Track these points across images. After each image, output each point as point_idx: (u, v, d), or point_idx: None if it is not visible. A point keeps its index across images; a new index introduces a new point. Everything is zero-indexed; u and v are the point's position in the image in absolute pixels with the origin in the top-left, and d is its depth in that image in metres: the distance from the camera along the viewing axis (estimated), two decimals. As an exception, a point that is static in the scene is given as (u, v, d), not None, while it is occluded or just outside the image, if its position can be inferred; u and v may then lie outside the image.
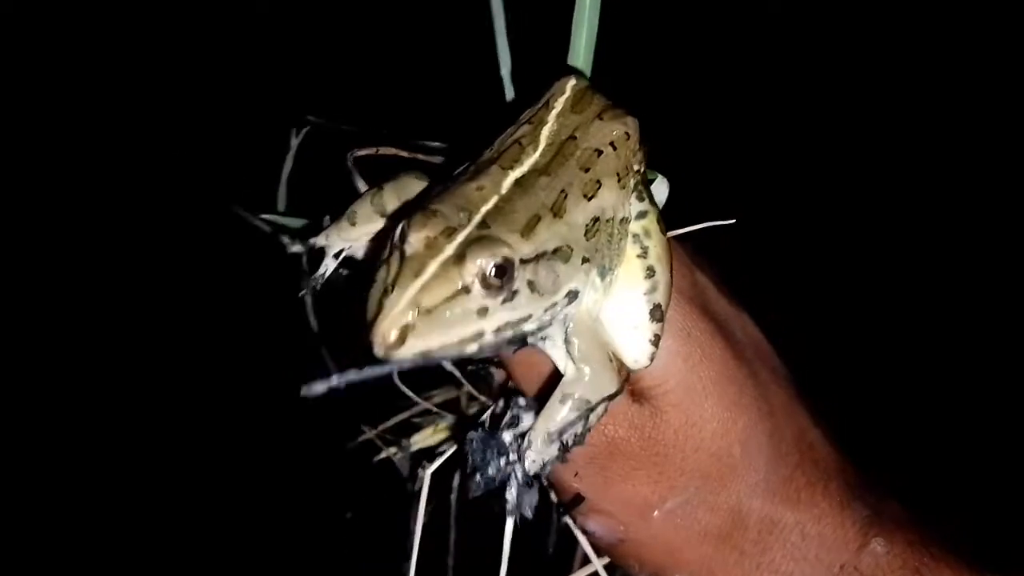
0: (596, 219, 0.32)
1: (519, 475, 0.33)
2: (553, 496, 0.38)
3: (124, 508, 1.14)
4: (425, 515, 0.39)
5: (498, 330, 0.30)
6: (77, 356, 1.22)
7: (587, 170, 0.33)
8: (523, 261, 0.30)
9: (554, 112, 0.35)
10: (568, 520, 0.37)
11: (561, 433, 0.32)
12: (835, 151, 1.42)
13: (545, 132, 0.34)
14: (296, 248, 0.39)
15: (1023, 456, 1.06)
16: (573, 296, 0.32)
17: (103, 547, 1.11)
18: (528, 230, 0.31)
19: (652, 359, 0.35)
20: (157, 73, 1.35)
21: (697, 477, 0.37)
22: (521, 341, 0.32)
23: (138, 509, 1.14)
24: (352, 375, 0.28)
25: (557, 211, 0.32)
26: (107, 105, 1.33)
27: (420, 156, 0.42)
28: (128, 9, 1.36)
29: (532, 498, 0.33)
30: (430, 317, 0.29)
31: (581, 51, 0.40)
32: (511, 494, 0.33)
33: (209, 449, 1.15)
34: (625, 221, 0.35)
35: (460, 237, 0.30)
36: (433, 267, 0.29)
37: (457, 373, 0.41)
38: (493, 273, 0.29)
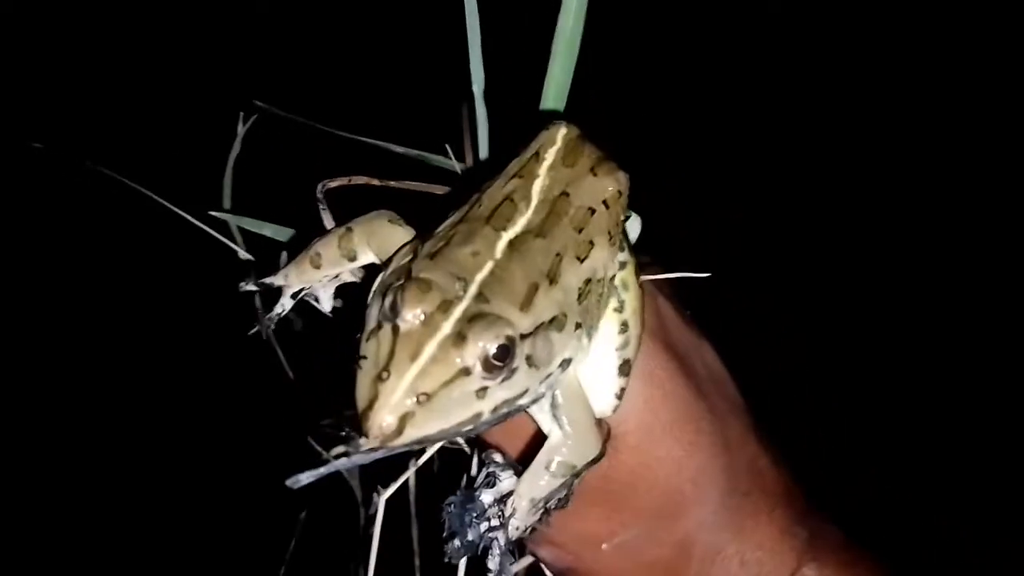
0: (588, 280, 0.31)
1: (502, 541, 0.31)
2: None
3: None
4: (381, 538, 0.38)
5: (495, 409, 0.28)
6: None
7: (581, 230, 0.32)
8: (522, 336, 0.28)
9: (545, 165, 0.33)
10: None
11: (547, 500, 0.32)
12: (834, 151, 1.42)
13: (537, 187, 0.32)
14: (249, 287, 0.38)
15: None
16: (567, 364, 0.31)
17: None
18: (527, 303, 0.29)
19: (615, 411, 0.35)
20: (157, 73, 1.35)
21: (649, 515, 0.37)
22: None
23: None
24: (343, 463, 0.28)
25: (553, 277, 0.30)
26: (105, 105, 1.33)
27: (393, 185, 0.41)
28: (128, 9, 1.36)
29: (513, 561, 0.33)
30: (429, 404, 0.27)
31: (553, 87, 0.40)
32: (494, 562, 0.31)
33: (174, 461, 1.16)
34: (612, 279, 0.33)
35: (458, 312, 0.28)
36: (431, 348, 0.27)
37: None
38: (495, 354, 0.28)
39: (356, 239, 0.35)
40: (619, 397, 0.34)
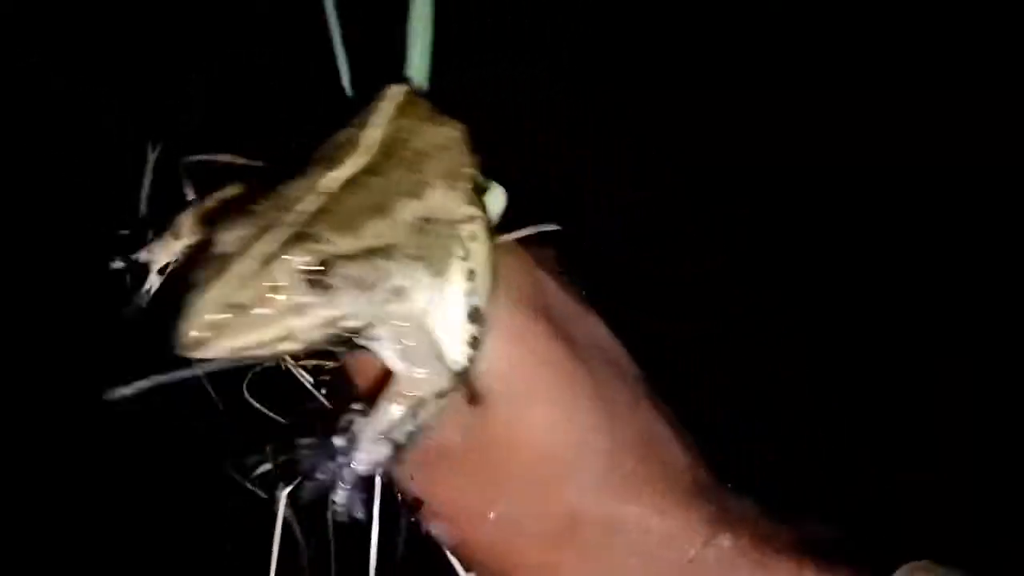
0: (426, 219, 0.33)
1: (346, 476, 0.32)
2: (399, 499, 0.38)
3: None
4: (300, 536, 0.38)
5: (317, 327, 0.29)
6: None
7: (416, 172, 0.33)
8: (342, 257, 0.29)
9: (381, 114, 0.34)
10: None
11: (389, 431, 0.32)
12: (833, 151, 1.42)
13: (371, 133, 0.34)
14: (118, 264, 0.38)
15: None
16: (397, 293, 0.31)
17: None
18: (350, 228, 0.30)
19: (470, 360, 0.35)
20: (156, 73, 1.35)
21: (528, 481, 0.37)
22: (349, 342, 0.31)
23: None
24: (159, 377, 0.29)
25: (383, 210, 0.31)
26: (103, 104, 1.33)
27: (256, 164, 0.41)
28: (128, 9, 1.36)
29: (363, 500, 0.33)
30: (240, 314, 0.28)
31: (417, 59, 0.41)
32: (339, 495, 0.32)
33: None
34: (453, 224, 0.35)
35: (276, 234, 0.29)
36: (245, 264, 0.28)
37: (309, 383, 0.40)
38: (308, 270, 0.28)
39: (214, 206, 0.37)
40: (472, 346, 0.35)
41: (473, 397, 0.35)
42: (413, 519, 0.37)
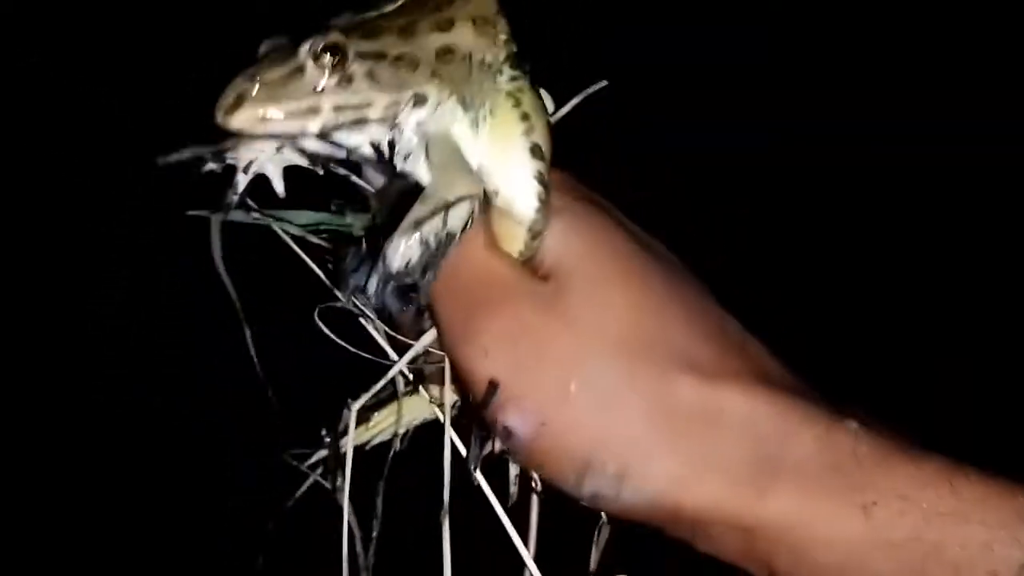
0: (449, 49, 0.34)
1: (380, 269, 0.33)
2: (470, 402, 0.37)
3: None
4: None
5: (336, 108, 0.32)
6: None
7: (440, 10, 0.35)
8: (361, 55, 0.32)
9: None
10: (490, 425, 0.35)
11: (418, 225, 0.32)
12: (833, 152, 1.42)
13: None
14: (212, 166, 0.37)
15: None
16: (420, 100, 0.33)
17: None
18: (370, 34, 0.33)
19: (542, 202, 0.35)
20: (155, 73, 1.35)
21: (612, 349, 0.34)
22: (377, 152, 0.34)
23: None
24: (206, 149, 0.32)
25: (406, 32, 0.33)
26: (103, 104, 1.33)
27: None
28: (127, 9, 1.36)
29: (398, 298, 0.34)
30: (267, 89, 0.31)
31: None
32: (371, 285, 0.33)
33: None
34: (489, 68, 0.35)
35: (308, 41, 0.32)
36: (273, 54, 0.32)
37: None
38: (323, 50, 0.31)
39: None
40: (541, 183, 0.35)
41: (543, 274, 0.35)
42: (485, 414, 0.34)
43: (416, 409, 0.41)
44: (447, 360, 0.39)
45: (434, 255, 0.33)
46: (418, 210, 0.33)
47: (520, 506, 0.38)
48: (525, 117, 0.36)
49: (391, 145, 0.34)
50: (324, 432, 0.40)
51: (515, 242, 0.36)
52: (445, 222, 0.33)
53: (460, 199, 0.33)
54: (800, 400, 0.35)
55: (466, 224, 0.34)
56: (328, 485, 0.40)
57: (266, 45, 0.33)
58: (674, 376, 0.34)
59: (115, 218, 1.28)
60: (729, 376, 0.35)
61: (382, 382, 0.39)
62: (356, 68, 0.32)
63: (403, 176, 0.36)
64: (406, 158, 0.34)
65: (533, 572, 0.36)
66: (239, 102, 0.31)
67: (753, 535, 0.33)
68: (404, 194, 0.36)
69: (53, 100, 1.33)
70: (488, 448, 0.37)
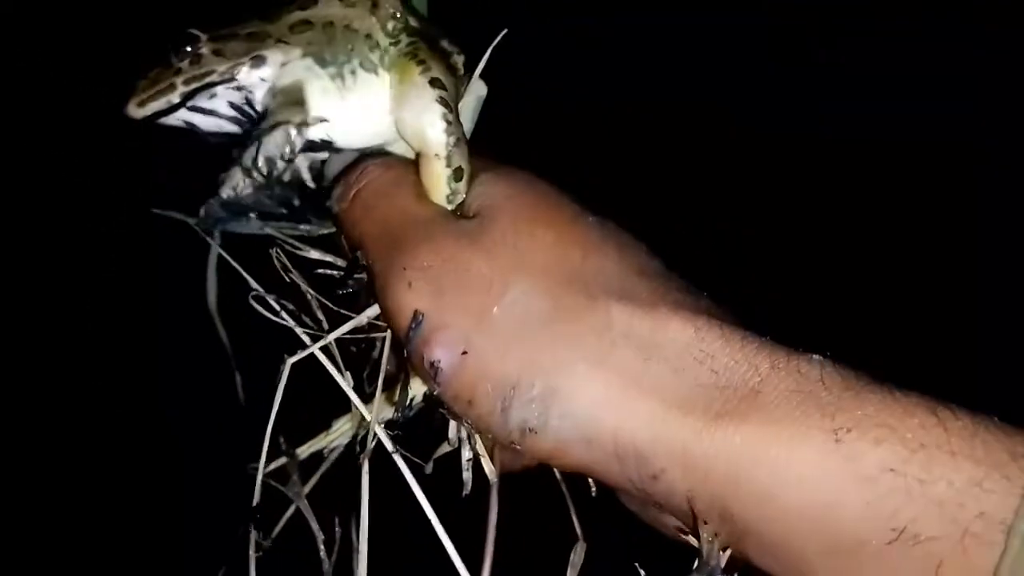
0: (306, 21, 0.39)
1: (216, 198, 0.39)
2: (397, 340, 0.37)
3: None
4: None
5: (187, 81, 0.38)
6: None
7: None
8: (213, 38, 0.38)
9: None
10: (414, 358, 0.35)
11: (239, 156, 0.38)
12: (832, 152, 1.41)
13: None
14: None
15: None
16: (258, 61, 0.38)
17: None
18: (233, 24, 0.39)
19: (449, 123, 0.37)
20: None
21: (536, 276, 0.33)
22: (237, 109, 0.39)
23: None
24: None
25: (266, 17, 0.39)
26: (105, 104, 1.32)
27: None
28: (127, 9, 1.36)
29: (229, 210, 0.39)
30: (146, 82, 0.38)
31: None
32: (210, 210, 0.39)
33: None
34: (370, 38, 0.39)
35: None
36: (160, 57, 0.39)
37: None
38: (180, 42, 0.38)
39: None
40: (444, 105, 0.37)
41: (468, 213, 0.37)
42: (411, 351, 0.35)
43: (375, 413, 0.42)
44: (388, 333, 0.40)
45: (261, 182, 0.38)
46: (244, 145, 0.39)
47: (479, 497, 0.37)
48: (421, 62, 0.38)
49: (249, 103, 0.39)
50: (280, 440, 0.41)
51: (439, 185, 0.38)
52: (259, 149, 0.38)
53: (273, 127, 0.38)
54: (752, 335, 0.31)
55: (285, 149, 0.38)
56: (288, 492, 0.40)
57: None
58: (604, 303, 0.33)
59: (106, 217, 1.28)
60: (668, 306, 0.32)
61: (312, 348, 0.39)
62: (205, 48, 0.38)
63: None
64: (265, 112, 0.40)
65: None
66: (128, 98, 0.38)
67: (704, 472, 0.29)
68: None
69: (53, 100, 1.33)
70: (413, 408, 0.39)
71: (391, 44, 0.39)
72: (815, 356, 0.30)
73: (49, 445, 1.19)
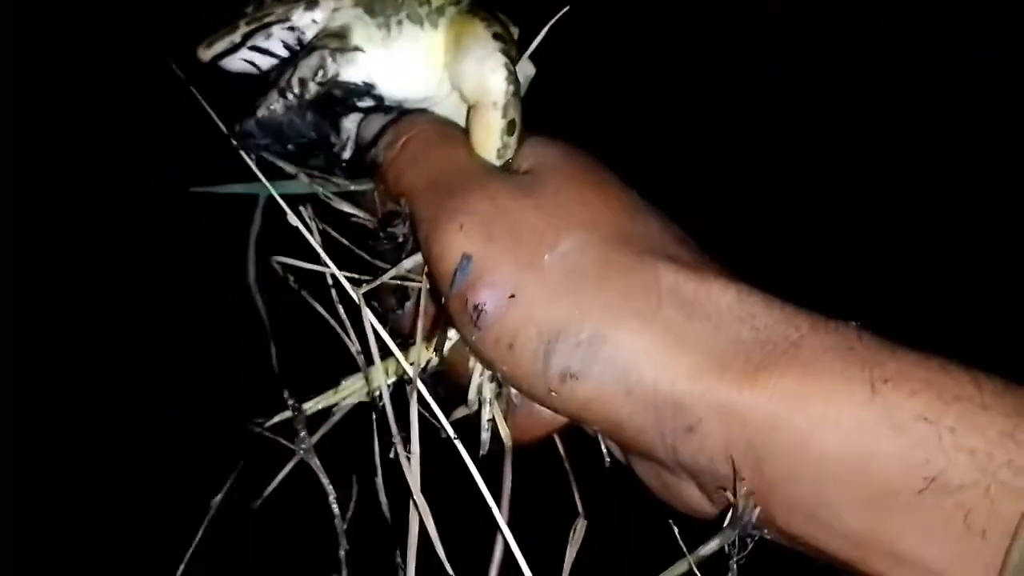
0: None
1: (252, 117, 0.40)
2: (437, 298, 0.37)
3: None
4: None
5: (248, 22, 0.40)
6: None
7: None
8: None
9: None
10: (457, 308, 0.35)
11: (276, 80, 0.40)
12: (832, 154, 1.42)
13: None
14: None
15: None
16: (311, 5, 0.40)
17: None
18: None
19: (511, 72, 0.38)
20: (155, 73, 1.35)
21: (588, 231, 0.34)
22: (289, 49, 0.41)
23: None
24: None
25: None
26: (106, 104, 1.33)
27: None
28: (128, 9, 1.36)
29: (263, 129, 0.41)
30: (218, 29, 0.40)
31: None
32: (248, 127, 0.40)
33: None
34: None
35: None
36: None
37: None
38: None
39: None
40: (507, 55, 0.38)
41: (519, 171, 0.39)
42: (455, 293, 0.35)
43: (382, 375, 0.41)
44: (424, 280, 0.39)
45: (294, 103, 0.40)
46: (280, 69, 0.40)
47: (492, 463, 0.37)
48: (484, 19, 0.39)
49: (300, 43, 0.41)
50: (286, 394, 0.41)
51: (491, 138, 0.38)
52: (295, 70, 0.39)
53: (310, 51, 0.39)
54: (789, 303, 0.32)
55: (319, 71, 0.39)
56: (295, 447, 0.40)
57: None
58: (651, 262, 0.33)
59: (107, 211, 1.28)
60: (711, 270, 0.33)
61: (383, 280, 0.40)
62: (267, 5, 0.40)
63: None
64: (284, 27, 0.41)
65: (506, 534, 0.35)
66: (200, 43, 0.40)
67: (743, 424, 0.30)
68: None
69: (53, 100, 1.33)
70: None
71: (449, 3, 0.40)
72: (851, 323, 0.31)
73: (48, 444, 1.19)
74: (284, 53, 0.41)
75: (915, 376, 0.29)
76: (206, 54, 0.40)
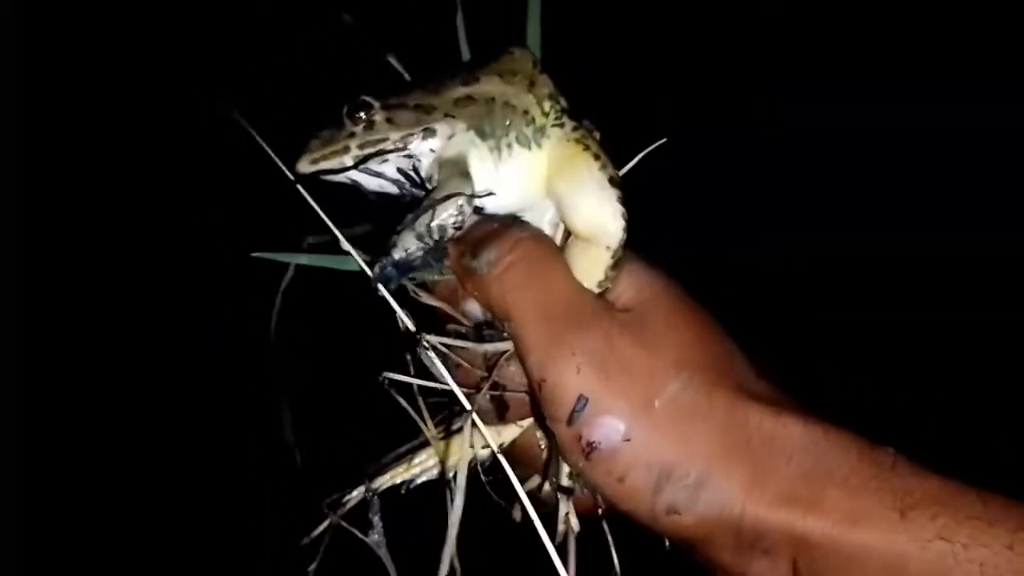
0: (469, 97, 0.43)
1: (386, 259, 0.42)
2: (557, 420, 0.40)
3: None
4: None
5: (361, 146, 0.42)
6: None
7: (472, 72, 0.44)
8: (385, 107, 0.42)
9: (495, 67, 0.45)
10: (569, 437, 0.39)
11: (412, 221, 0.41)
12: (832, 154, 1.41)
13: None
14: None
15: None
16: (430, 133, 0.42)
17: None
18: (400, 92, 0.43)
19: (627, 221, 0.41)
20: (156, 73, 1.35)
21: (690, 366, 0.39)
22: (404, 175, 0.43)
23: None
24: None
25: (431, 89, 0.43)
26: (106, 105, 1.32)
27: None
28: (128, 9, 1.36)
29: (400, 270, 0.42)
30: (318, 142, 0.43)
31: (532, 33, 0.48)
32: (383, 273, 0.41)
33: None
34: (527, 114, 0.43)
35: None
36: (332, 119, 0.43)
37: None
38: (354, 107, 0.42)
39: None
40: (622, 203, 0.41)
41: (623, 308, 0.41)
42: (570, 429, 0.38)
43: (455, 453, 0.44)
44: (523, 383, 0.42)
45: (431, 246, 0.41)
46: (416, 212, 0.41)
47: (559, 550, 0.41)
48: (597, 156, 0.42)
49: (415, 170, 0.43)
50: (361, 476, 0.44)
51: (595, 271, 0.41)
52: (433, 216, 0.40)
53: (447, 198, 0.40)
54: (840, 429, 0.39)
55: (456, 219, 0.41)
56: (361, 535, 0.42)
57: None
58: (744, 403, 0.39)
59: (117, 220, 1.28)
60: (784, 407, 0.39)
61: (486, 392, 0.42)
62: (379, 116, 0.42)
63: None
64: (428, 179, 0.43)
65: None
66: (301, 154, 0.42)
67: (807, 546, 0.36)
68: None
69: (56, 100, 1.33)
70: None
71: (553, 124, 0.43)
72: (888, 448, 0.38)
73: (49, 444, 1.19)
74: (396, 177, 0.43)
75: (935, 500, 0.36)
76: (307, 168, 0.42)
